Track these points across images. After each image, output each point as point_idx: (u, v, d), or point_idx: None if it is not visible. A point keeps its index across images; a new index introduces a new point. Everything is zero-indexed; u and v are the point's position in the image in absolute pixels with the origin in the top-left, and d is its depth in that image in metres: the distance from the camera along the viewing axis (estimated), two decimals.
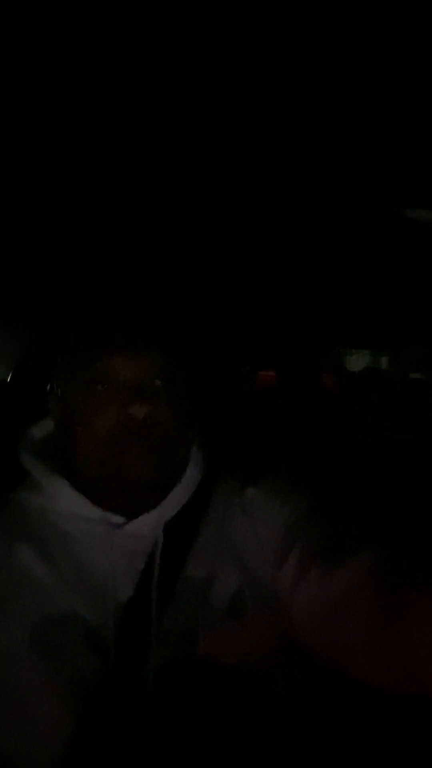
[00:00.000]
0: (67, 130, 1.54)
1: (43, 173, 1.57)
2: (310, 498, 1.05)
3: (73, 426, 1.00)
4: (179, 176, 1.59)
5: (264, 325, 1.58)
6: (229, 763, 0.89)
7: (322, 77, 1.52)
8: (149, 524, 1.00)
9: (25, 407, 1.14)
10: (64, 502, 1.01)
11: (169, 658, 0.92)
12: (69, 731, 0.87)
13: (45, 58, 1.46)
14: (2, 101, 1.48)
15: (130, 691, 0.90)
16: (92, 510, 1.00)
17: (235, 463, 1.13)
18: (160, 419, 0.98)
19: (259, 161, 1.62)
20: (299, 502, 1.04)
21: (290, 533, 1.00)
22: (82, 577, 0.96)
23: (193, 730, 0.89)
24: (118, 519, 1.00)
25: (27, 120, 1.51)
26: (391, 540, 0.94)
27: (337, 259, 1.64)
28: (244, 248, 1.62)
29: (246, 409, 1.44)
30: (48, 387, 1.08)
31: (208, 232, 1.61)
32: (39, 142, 1.54)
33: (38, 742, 0.88)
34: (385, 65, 1.49)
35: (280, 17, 1.44)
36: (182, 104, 1.55)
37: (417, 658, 0.82)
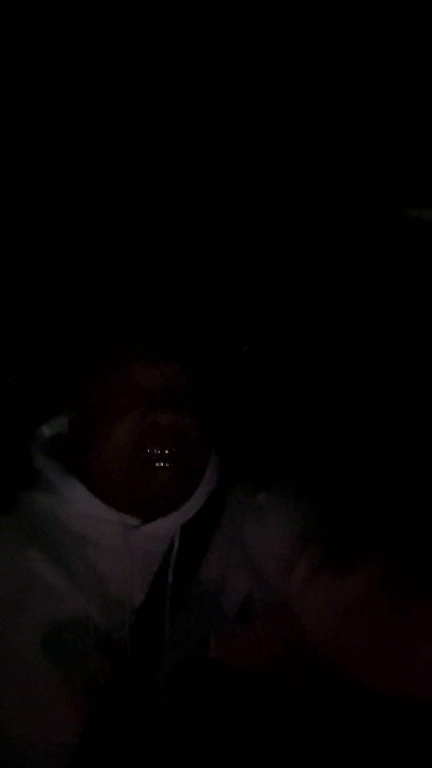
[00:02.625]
0: (67, 134, 1.53)
1: (47, 179, 1.56)
2: (321, 504, 1.05)
3: (94, 431, 0.99)
4: (180, 179, 1.59)
5: (267, 326, 1.58)
6: (238, 765, 0.89)
7: (322, 77, 1.52)
8: (166, 527, 1.00)
9: (35, 406, 1.13)
10: (78, 504, 1.00)
11: (181, 661, 0.92)
12: (81, 734, 0.87)
13: (45, 59, 1.46)
14: (2, 103, 1.48)
15: (142, 694, 0.90)
16: (107, 512, 0.99)
17: (248, 467, 1.13)
18: (184, 426, 0.98)
19: (259, 162, 1.62)
20: (310, 508, 1.04)
21: (301, 539, 1.00)
22: (95, 579, 0.95)
23: (204, 732, 0.89)
24: (135, 521, 0.99)
25: (28, 126, 1.51)
26: (399, 548, 0.95)
27: (337, 259, 1.64)
28: (246, 250, 1.62)
29: (257, 412, 1.44)
30: (61, 388, 1.08)
31: (209, 236, 1.61)
32: (42, 148, 1.53)
33: (50, 745, 0.88)
34: (385, 66, 1.49)
35: (280, 17, 1.45)
36: (182, 105, 1.55)
37: (423, 665, 0.83)
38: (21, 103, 1.49)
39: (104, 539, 0.98)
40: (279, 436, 1.41)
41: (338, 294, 1.61)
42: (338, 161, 1.59)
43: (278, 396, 1.50)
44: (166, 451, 0.96)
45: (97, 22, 1.42)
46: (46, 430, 1.09)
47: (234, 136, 1.58)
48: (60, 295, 1.51)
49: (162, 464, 0.96)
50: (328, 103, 1.54)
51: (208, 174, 1.60)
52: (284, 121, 1.57)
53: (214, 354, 1.27)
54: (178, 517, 1.01)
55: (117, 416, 0.97)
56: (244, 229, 1.64)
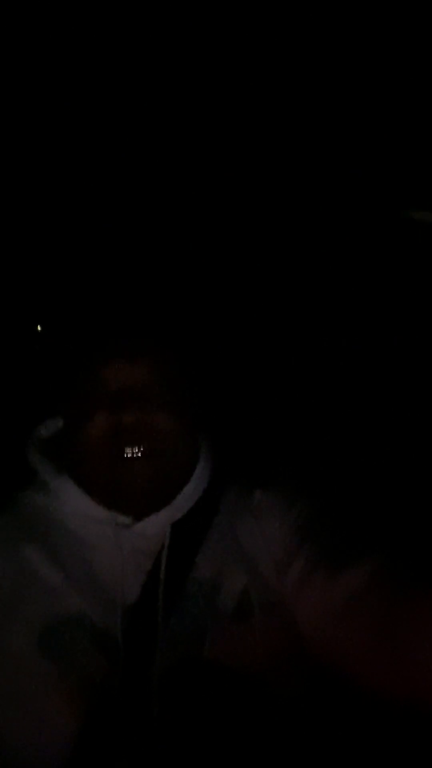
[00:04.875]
0: (67, 133, 1.54)
1: (43, 175, 1.56)
2: (317, 502, 1.05)
3: (74, 430, 1.01)
4: (178, 178, 1.60)
5: (266, 325, 1.58)
6: (233, 765, 0.89)
7: (323, 80, 1.53)
8: (157, 525, 1.00)
9: (33, 406, 1.14)
10: (71, 503, 1.01)
11: (176, 659, 0.92)
12: (76, 732, 0.87)
13: (45, 60, 1.46)
14: (2, 104, 1.48)
15: (136, 692, 0.90)
16: (99, 511, 1.00)
17: (243, 465, 1.13)
18: (156, 424, 0.98)
19: (259, 164, 1.62)
20: (306, 505, 1.04)
21: (297, 537, 1.00)
22: (89, 577, 0.96)
23: (198, 731, 0.89)
24: (125, 520, 1.00)
25: (28, 126, 1.51)
26: (396, 545, 0.95)
27: (337, 260, 1.65)
28: (245, 249, 1.62)
29: (253, 410, 1.45)
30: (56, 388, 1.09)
31: (205, 233, 1.61)
32: (39, 146, 1.54)
33: (45, 743, 0.88)
34: (386, 68, 1.50)
35: (280, 17, 1.45)
36: (183, 105, 1.55)
37: (420, 663, 0.82)
38: (22, 102, 1.50)
39: (96, 538, 0.99)
40: (275, 434, 1.42)
41: (338, 294, 1.61)
42: (339, 163, 1.59)
43: (275, 394, 1.51)
44: (136, 449, 0.97)
45: (97, 21, 1.42)
46: (43, 430, 1.11)
47: (235, 137, 1.58)
48: (51, 297, 1.51)
49: (133, 461, 0.97)
50: (329, 105, 1.54)
51: (205, 176, 1.60)
52: (285, 123, 1.57)
53: (207, 352, 1.27)
54: (168, 515, 1.01)
55: (88, 416, 0.99)
56: (240, 229, 1.64)
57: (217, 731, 0.89)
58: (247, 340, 1.57)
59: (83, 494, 1.01)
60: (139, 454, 0.97)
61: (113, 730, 0.88)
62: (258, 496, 1.07)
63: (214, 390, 1.15)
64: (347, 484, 1.19)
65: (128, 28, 1.45)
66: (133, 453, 0.97)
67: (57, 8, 1.39)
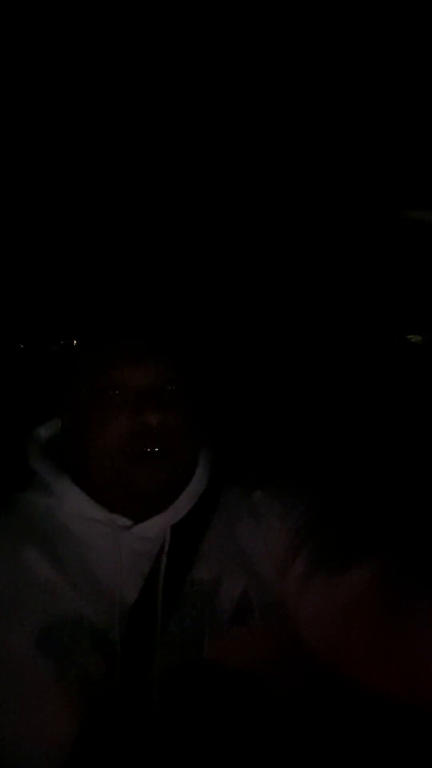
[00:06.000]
0: (68, 134, 1.54)
1: (45, 177, 1.56)
2: (317, 503, 1.05)
3: (85, 431, 1.00)
4: (181, 180, 1.59)
5: (268, 327, 1.58)
6: (232, 766, 0.89)
7: (323, 80, 1.52)
8: (157, 527, 1.00)
9: (32, 406, 1.14)
10: (71, 504, 1.01)
11: (175, 661, 0.92)
12: (74, 732, 0.87)
13: (46, 61, 1.46)
14: (3, 106, 1.48)
15: (135, 694, 0.90)
16: (99, 512, 1.00)
17: (242, 466, 1.13)
18: (172, 425, 0.98)
19: (259, 164, 1.62)
20: (306, 507, 1.04)
21: (297, 538, 1.00)
22: (88, 578, 0.96)
23: (197, 733, 0.89)
24: (125, 521, 1.00)
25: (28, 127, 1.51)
26: (397, 546, 0.94)
27: (337, 260, 1.64)
28: (247, 250, 1.62)
29: (253, 410, 1.44)
30: (55, 389, 1.09)
31: (210, 235, 1.61)
32: (40, 147, 1.54)
33: (43, 743, 0.88)
34: (386, 68, 1.49)
35: (281, 17, 1.44)
36: (183, 105, 1.55)
37: (422, 665, 0.82)
38: (22, 102, 1.49)
39: (96, 539, 0.99)
40: (275, 435, 1.41)
41: (338, 294, 1.60)
42: (339, 163, 1.59)
43: (274, 395, 1.50)
44: (156, 449, 0.97)
45: (97, 21, 1.42)
46: (43, 431, 1.10)
47: (235, 138, 1.58)
48: (54, 297, 1.51)
49: (149, 462, 0.97)
50: (330, 106, 1.54)
51: (206, 176, 1.60)
52: (286, 124, 1.57)
53: (209, 353, 1.27)
54: (167, 518, 1.01)
55: (105, 417, 0.98)
56: (242, 229, 1.64)
57: (216, 733, 0.89)
58: (246, 340, 1.57)
59: (84, 495, 1.01)
60: (159, 455, 0.97)
61: (112, 731, 0.88)
62: (257, 498, 1.06)
63: (214, 390, 1.15)
64: (347, 484, 1.19)
65: (128, 28, 1.45)
66: (152, 453, 0.97)
67: (57, 8, 1.39)
